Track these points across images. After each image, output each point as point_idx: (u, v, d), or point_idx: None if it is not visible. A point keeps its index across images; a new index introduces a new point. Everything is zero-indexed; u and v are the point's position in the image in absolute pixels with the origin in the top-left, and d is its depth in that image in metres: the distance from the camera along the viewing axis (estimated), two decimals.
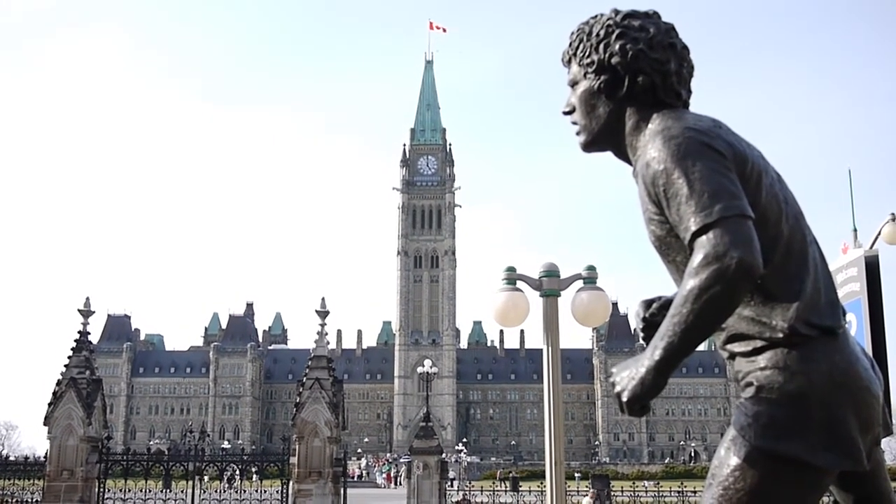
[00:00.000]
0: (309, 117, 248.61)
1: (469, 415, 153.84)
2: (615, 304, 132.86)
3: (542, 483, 19.74)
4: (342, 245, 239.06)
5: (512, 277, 7.82)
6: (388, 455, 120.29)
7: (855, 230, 9.07)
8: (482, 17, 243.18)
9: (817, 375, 2.31)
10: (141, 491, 20.37)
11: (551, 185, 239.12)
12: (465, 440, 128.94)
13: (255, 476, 30.58)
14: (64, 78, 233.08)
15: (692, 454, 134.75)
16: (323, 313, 20.83)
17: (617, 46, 2.56)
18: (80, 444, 19.24)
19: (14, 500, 22.13)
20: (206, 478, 25.11)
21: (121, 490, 20.62)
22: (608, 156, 2.71)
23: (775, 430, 2.28)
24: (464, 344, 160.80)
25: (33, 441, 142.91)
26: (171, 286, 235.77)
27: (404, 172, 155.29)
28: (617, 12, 2.63)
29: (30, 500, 22.07)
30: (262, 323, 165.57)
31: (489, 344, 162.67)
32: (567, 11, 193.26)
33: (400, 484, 66.59)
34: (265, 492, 20.84)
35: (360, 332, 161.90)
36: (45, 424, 19.28)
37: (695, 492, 28.60)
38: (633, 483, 32.54)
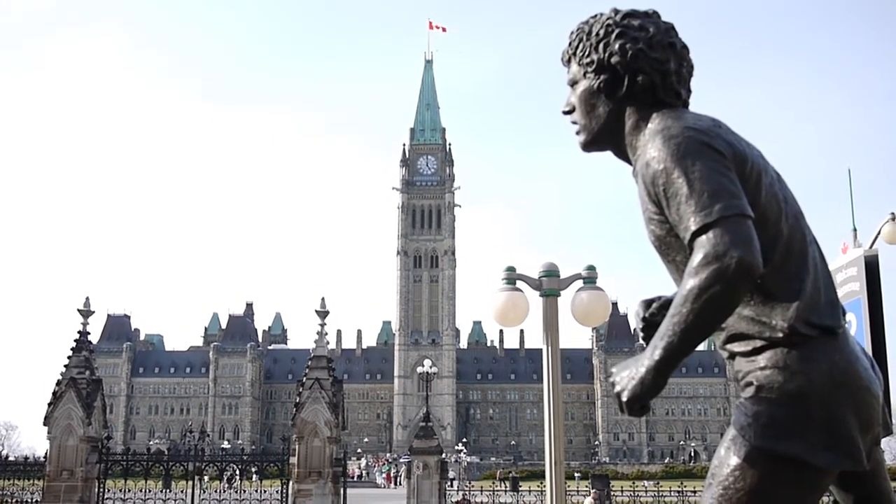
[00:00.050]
0: (309, 117, 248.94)
1: (469, 415, 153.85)
2: (615, 304, 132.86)
3: (542, 483, 19.76)
4: (342, 245, 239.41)
5: (512, 277, 7.82)
6: (388, 455, 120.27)
7: (855, 230, 9.06)
8: (482, 17, 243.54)
9: (817, 375, 2.31)
10: (141, 491, 20.38)
11: (551, 185, 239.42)
12: (464, 440, 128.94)
13: (254, 476, 30.60)
14: (64, 78, 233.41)
15: (692, 454, 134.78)
16: (323, 313, 20.83)
17: (617, 46, 2.56)
18: (80, 444, 19.24)
19: (14, 501, 22.11)
20: (206, 478, 25.12)
21: (121, 490, 20.60)
22: (608, 156, 2.71)
23: (775, 430, 2.28)
24: (464, 344, 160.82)
25: (33, 441, 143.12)
26: (171, 286, 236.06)
27: (404, 172, 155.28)
28: (616, 12, 2.63)
29: (30, 500, 22.06)
30: (261, 323, 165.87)
31: (489, 344, 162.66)
32: (567, 11, 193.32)
33: (400, 484, 66.59)
34: (265, 492, 20.83)
35: (359, 332, 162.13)
36: (44, 424, 19.28)
37: (695, 492, 28.62)
38: (633, 483, 32.58)
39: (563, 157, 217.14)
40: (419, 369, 59.74)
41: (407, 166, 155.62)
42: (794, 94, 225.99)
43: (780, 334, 2.35)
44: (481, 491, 29.25)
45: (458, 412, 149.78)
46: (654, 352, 2.22)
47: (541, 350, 7.89)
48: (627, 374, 2.27)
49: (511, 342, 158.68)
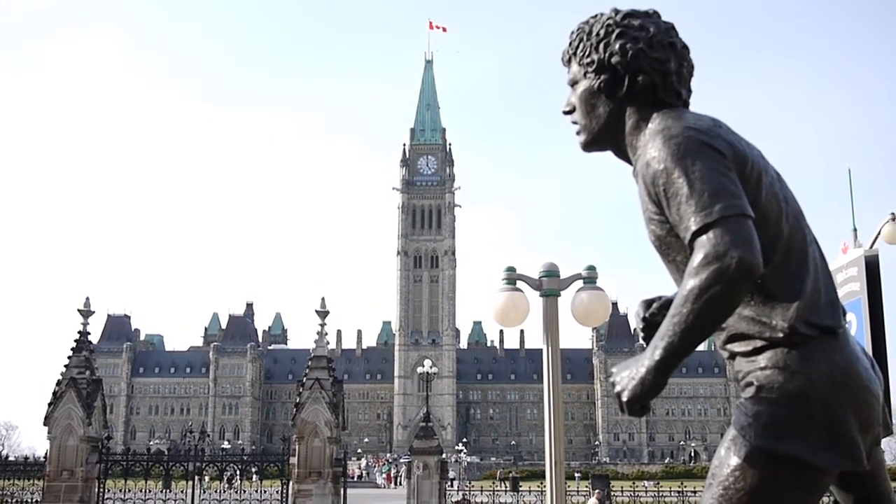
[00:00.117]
0: (309, 117, 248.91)
1: (469, 415, 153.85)
2: (615, 304, 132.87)
3: (542, 483, 19.75)
4: (342, 245, 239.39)
5: (512, 277, 7.82)
6: (388, 455, 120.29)
7: (855, 230, 9.07)
8: (482, 17, 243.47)
9: (817, 375, 2.31)
10: (141, 491, 20.37)
11: (551, 185, 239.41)
12: (465, 440, 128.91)
13: (255, 476, 30.64)
14: (64, 78, 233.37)
15: (692, 454, 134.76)
16: (323, 313, 20.83)
17: (617, 46, 2.56)
18: (80, 445, 19.23)
19: (14, 501, 22.11)
20: (206, 478, 25.14)
21: (121, 490, 20.61)
22: (608, 156, 2.71)
23: (775, 430, 2.28)
24: (464, 344, 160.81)
25: (33, 441, 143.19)
26: (171, 286, 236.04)
27: (404, 172, 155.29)
28: (617, 12, 2.63)
29: (30, 500, 22.06)
30: (261, 323, 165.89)
31: (489, 344, 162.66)
32: (567, 11, 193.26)
33: (400, 484, 66.60)
34: (265, 492, 20.85)
35: (359, 332, 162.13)
36: (45, 424, 19.28)
37: (695, 492, 28.63)
38: (633, 483, 32.56)
39: (563, 157, 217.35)
40: (419, 369, 59.70)
41: (407, 166, 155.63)
42: (794, 94, 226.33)
43: (781, 334, 2.35)
44: (481, 491, 29.22)
45: (459, 412, 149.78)
46: (654, 352, 2.22)
47: (541, 350, 7.89)
48: (628, 374, 2.26)
49: (511, 342, 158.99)
